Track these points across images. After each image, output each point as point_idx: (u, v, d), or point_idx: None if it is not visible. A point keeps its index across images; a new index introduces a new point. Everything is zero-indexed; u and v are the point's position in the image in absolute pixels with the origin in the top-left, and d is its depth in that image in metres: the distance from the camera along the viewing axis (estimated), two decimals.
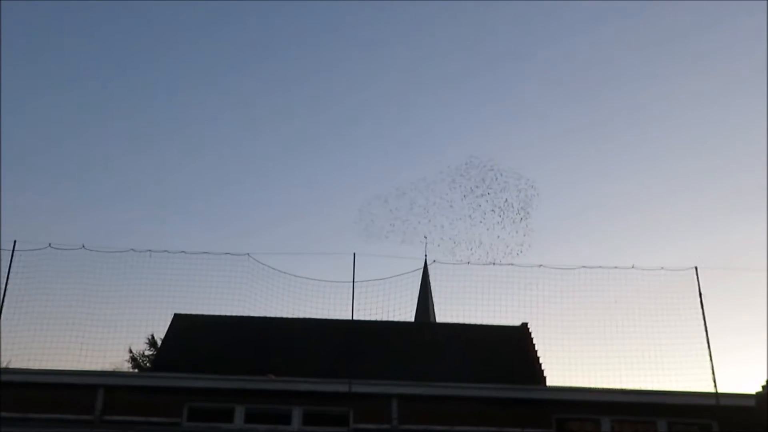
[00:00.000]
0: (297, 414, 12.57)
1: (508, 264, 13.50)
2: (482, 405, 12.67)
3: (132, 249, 13.31)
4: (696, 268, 13.47)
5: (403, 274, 13.75)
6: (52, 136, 70.01)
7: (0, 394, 12.15)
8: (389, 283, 14.03)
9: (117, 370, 28.44)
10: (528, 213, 27.72)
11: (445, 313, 19.96)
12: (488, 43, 70.58)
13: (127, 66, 71.37)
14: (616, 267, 13.24)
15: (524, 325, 20.43)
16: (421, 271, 23.19)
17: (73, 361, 13.06)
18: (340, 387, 12.60)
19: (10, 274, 12.83)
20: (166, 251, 13.47)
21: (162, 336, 20.63)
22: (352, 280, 13.19)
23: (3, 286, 12.84)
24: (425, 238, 36.16)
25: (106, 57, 69.19)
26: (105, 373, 14.10)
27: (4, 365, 13.82)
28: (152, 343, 32.37)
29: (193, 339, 19.26)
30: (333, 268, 14.43)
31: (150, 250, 13.39)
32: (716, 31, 64.11)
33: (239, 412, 12.56)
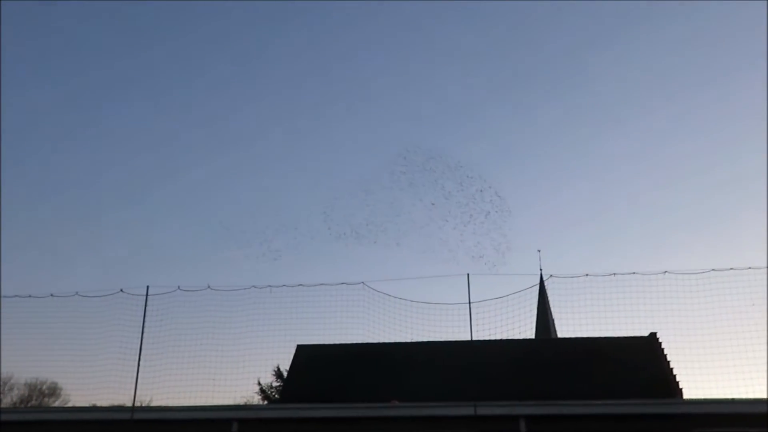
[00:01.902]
0: None
1: (630, 273, 12.91)
2: (615, 422, 12.11)
3: (253, 286, 13.85)
4: None
5: (519, 291, 13.48)
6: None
7: (142, 431, 12.91)
8: (506, 301, 13.79)
9: (248, 403, 29.54)
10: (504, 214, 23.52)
11: (566, 327, 19.38)
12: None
13: (239, 102, 75.08)
14: (749, 267, 12.37)
15: (653, 335, 19.45)
16: (537, 286, 22.64)
17: (206, 397, 13.70)
18: (465, 410, 12.43)
19: (146, 318, 13.65)
20: (284, 285, 13.92)
21: (287, 367, 21.23)
22: (468, 301, 13.06)
23: (140, 329, 13.66)
24: (539, 251, 35.33)
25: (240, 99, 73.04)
26: (237, 406, 14.68)
27: (144, 404, 14.65)
28: (278, 374, 33.43)
29: (317, 368, 19.72)
30: (447, 290, 14.36)
31: (270, 286, 13.89)
32: None
33: None
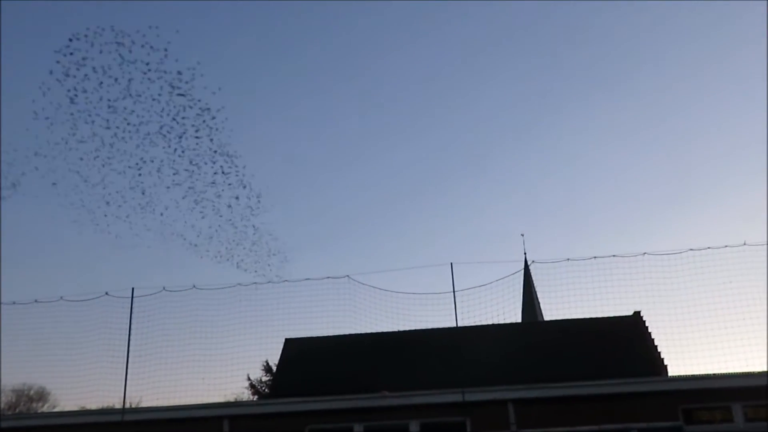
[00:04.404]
0: (414, 427, 12.66)
1: (610, 255, 13.07)
2: (603, 402, 12.30)
3: (239, 283, 13.87)
4: None
5: (503, 278, 13.61)
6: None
7: None
8: (491, 288, 13.92)
9: (238, 399, 29.57)
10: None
11: (552, 310, 19.59)
12: None
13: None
14: (726, 246, 12.58)
15: (637, 314, 19.70)
16: (522, 271, 22.77)
17: (197, 395, 13.72)
18: (454, 397, 12.58)
19: (132, 319, 13.62)
20: (270, 282, 13.96)
21: (276, 361, 21.27)
22: (452, 289, 13.17)
23: (127, 331, 13.64)
24: (522, 235, 35.61)
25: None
26: (228, 404, 14.72)
27: (134, 405, 14.65)
28: (267, 368, 33.50)
29: (306, 361, 19.78)
30: (432, 279, 14.46)
31: (255, 283, 13.93)
32: None
33: (358, 430, 12.77)
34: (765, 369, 12.08)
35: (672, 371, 16.93)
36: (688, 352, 13.10)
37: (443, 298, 13.36)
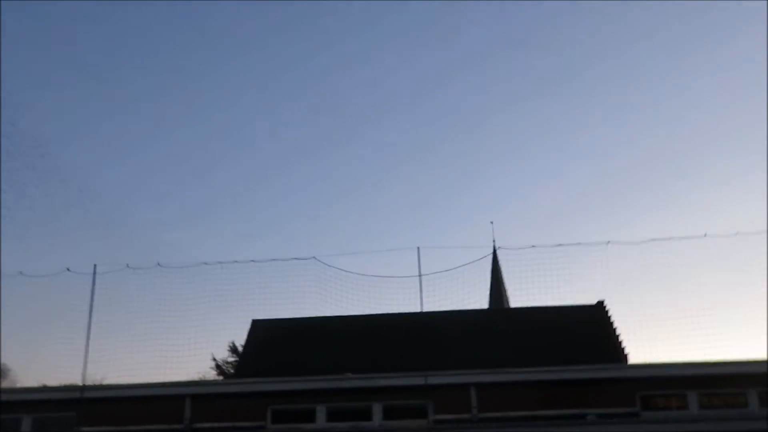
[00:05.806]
0: (377, 409, 12.72)
1: (575, 243, 13.24)
2: (563, 388, 12.50)
3: (204, 263, 13.77)
4: None
5: (470, 263, 13.71)
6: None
7: (92, 410, 12.79)
8: (459, 273, 14.01)
9: (203, 379, 29.43)
10: None
11: (519, 297, 19.76)
12: None
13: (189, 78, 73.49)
14: (687, 237, 12.81)
15: (600, 303, 19.96)
16: (491, 258, 22.90)
17: (160, 374, 13.61)
18: (416, 380, 12.66)
19: (94, 296, 13.45)
20: (236, 261, 13.88)
21: (242, 342, 21.18)
22: (418, 274, 13.23)
23: (89, 308, 13.46)
24: (491, 223, 35.75)
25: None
26: (190, 383, 14.64)
27: (96, 383, 14.48)
28: (234, 349, 33.31)
29: (272, 343, 19.68)
30: (399, 263, 14.50)
31: (220, 262, 13.82)
32: None
33: (321, 412, 12.81)
34: (719, 359, 12.39)
35: (633, 360, 17.23)
36: (649, 341, 13.36)
37: (410, 281, 13.42)
